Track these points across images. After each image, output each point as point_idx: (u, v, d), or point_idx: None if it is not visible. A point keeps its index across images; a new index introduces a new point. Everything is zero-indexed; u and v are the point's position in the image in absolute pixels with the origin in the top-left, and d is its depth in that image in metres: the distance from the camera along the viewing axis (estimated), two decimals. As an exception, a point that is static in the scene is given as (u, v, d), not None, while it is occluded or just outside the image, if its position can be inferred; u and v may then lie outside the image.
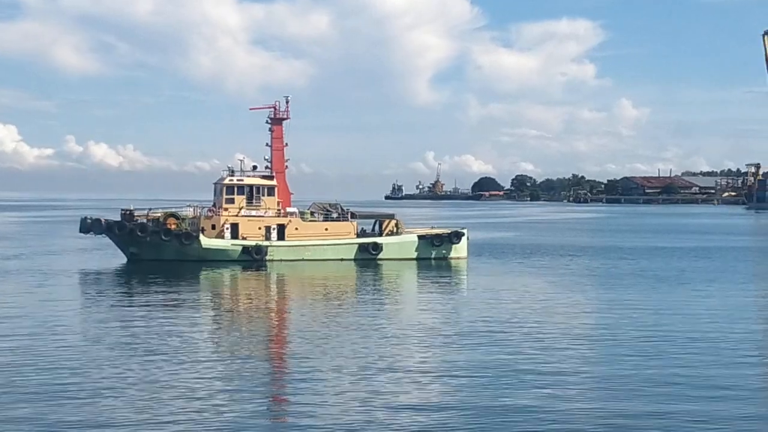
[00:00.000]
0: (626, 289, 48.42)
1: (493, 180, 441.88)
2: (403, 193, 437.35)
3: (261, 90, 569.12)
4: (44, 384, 24.09)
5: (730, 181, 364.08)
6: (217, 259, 61.48)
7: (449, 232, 69.49)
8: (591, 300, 44.52)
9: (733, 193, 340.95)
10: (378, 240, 66.37)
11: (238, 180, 64.98)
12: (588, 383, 24.89)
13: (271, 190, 65.51)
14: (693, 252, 77.96)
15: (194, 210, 65.67)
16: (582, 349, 30.41)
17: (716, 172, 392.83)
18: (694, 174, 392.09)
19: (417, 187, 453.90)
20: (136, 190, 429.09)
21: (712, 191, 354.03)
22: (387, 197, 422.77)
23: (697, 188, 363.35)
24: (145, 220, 63.74)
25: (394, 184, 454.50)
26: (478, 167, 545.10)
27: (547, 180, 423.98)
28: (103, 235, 65.38)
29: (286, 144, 69.12)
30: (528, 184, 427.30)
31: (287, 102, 69.58)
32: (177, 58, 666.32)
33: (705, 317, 38.12)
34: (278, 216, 64.98)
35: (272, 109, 69.06)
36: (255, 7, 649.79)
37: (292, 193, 69.48)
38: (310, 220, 66.26)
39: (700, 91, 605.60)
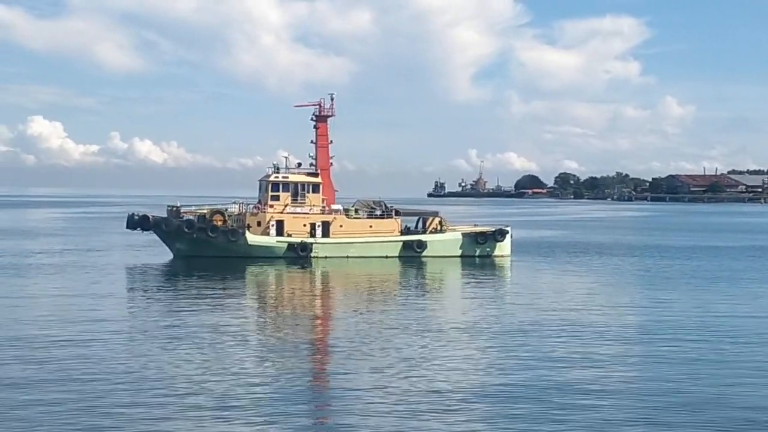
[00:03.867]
0: (678, 290, 47.80)
1: (536, 178, 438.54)
2: (446, 191, 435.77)
3: (303, 87, 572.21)
4: (93, 376, 24.33)
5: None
6: (263, 256, 61.78)
7: (493, 230, 69.20)
8: (640, 300, 43.99)
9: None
10: (422, 238, 66.24)
11: (283, 177, 65.21)
12: (634, 386, 24.61)
13: (316, 188, 65.67)
14: (747, 251, 76.60)
15: (240, 207, 66.01)
16: (630, 350, 30.10)
17: (763, 170, 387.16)
18: (741, 172, 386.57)
19: (459, 185, 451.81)
20: (180, 186, 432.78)
21: (759, 190, 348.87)
22: (429, 195, 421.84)
23: (744, 187, 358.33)
24: (191, 217, 64.19)
25: (436, 182, 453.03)
26: (521, 165, 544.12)
27: (591, 178, 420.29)
28: (150, 231, 65.99)
29: (331, 141, 69.14)
30: (571, 182, 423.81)
31: (332, 99, 69.64)
32: (219, 56, 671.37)
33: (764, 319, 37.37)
34: (323, 213, 65.13)
35: (317, 107, 69.14)
36: (297, 4, 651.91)
37: (337, 191, 69.52)
38: (355, 218, 66.31)
39: (747, 87, 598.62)
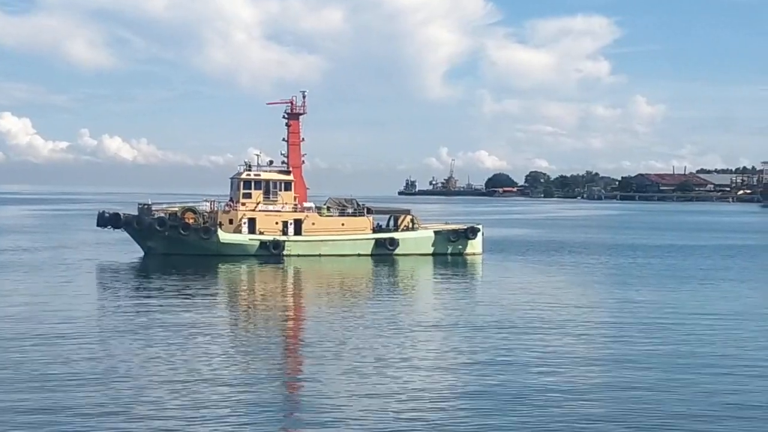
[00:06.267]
0: (648, 289, 47.97)
1: (507, 176, 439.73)
2: (417, 189, 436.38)
3: (275, 85, 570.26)
4: (62, 375, 24.23)
5: (745, 178, 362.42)
6: (235, 254, 61.66)
7: (465, 228, 69.50)
8: (611, 299, 44.24)
9: (748, 191, 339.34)
10: (394, 235, 66.40)
11: (255, 175, 65.14)
12: (602, 381, 24.85)
13: (288, 185, 65.65)
14: (718, 250, 76.76)
15: (211, 204, 65.85)
16: (600, 349, 30.35)
17: (731, 169, 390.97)
18: (709, 171, 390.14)
19: (430, 183, 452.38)
20: (150, 184, 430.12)
21: (728, 189, 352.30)
22: (400, 193, 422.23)
23: (712, 186, 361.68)
24: (162, 215, 63.90)
25: (407, 180, 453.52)
26: (492, 163, 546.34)
27: (562, 177, 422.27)
28: (121, 229, 65.64)
29: (303, 139, 69.09)
30: (542, 180, 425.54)
31: (304, 97, 69.50)
32: (191, 53, 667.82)
33: (736, 318, 37.52)
34: (295, 211, 65.13)
35: (289, 104, 69.06)
36: (269, 1, 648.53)
37: (309, 188, 69.48)
38: (327, 216, 66.37)
39: (716, 87, 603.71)
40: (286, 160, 67.82)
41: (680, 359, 27.90)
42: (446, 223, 74.03)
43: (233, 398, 22.33)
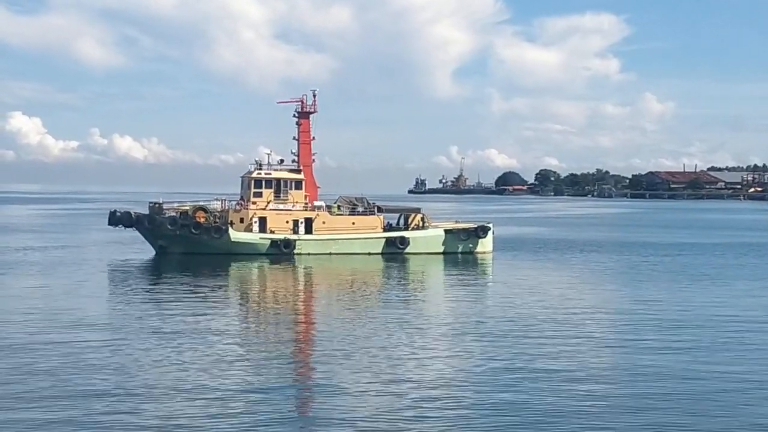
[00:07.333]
0: (662, 288, 47.73)
1: (517, 174, 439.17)
2: (427, 188, 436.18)
3: (283, 83, 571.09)
4: (73, 375, 24.27)
5: (756, 176, 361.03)
6: (246, 253, 61.73)
7: (475, 226, 69.42)
8: (621, 297, 44.07)
9: (759, 189, 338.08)
10: (405, 234, 66.39)
11: (266, 174, 65.26)
12: (613, 383, 24.77)
13: (298, 184, 65.73)
14: (732, 248, 76.29)
15: (222, 203, 66.00)
16: (611, 348, 30.27)
17: (742, 167, 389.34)
18: (720, 169, 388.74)
19: (440, 182, 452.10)
20: (161, 183, 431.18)
21: (738, 186, 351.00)
22: (410, 191, 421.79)
23: (723, 183, 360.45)
24: (174, 214, 64.05)
25: (417, 178, 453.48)
26: (502, 161, 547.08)
27: (571, 175, 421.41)
28: (132, 228, 65.79)
29: (313, 138, 69.15)
30: (552, 178, 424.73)
31: (314, 95, 69.59)
32: (199, 52, 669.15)
33: (750, 316, 37.36)
34: (306, 210, 65.18)
35: (299, 103, 69.13)
36: (277, 0, 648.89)
37: (319, 187, 69.55)
38: (338, 214, 66.41)
39: (725, 84, 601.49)
40: (296, 159, 67.91)
41: (695, 361, 27.77)
42: (456, 222, 73.98)
43: (244, 399, 22.29)
